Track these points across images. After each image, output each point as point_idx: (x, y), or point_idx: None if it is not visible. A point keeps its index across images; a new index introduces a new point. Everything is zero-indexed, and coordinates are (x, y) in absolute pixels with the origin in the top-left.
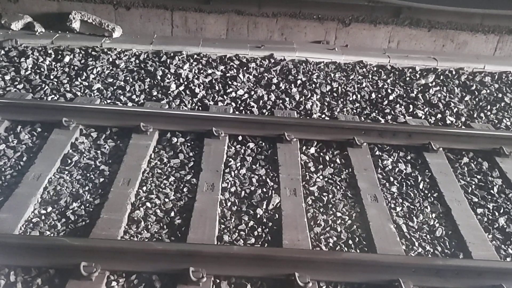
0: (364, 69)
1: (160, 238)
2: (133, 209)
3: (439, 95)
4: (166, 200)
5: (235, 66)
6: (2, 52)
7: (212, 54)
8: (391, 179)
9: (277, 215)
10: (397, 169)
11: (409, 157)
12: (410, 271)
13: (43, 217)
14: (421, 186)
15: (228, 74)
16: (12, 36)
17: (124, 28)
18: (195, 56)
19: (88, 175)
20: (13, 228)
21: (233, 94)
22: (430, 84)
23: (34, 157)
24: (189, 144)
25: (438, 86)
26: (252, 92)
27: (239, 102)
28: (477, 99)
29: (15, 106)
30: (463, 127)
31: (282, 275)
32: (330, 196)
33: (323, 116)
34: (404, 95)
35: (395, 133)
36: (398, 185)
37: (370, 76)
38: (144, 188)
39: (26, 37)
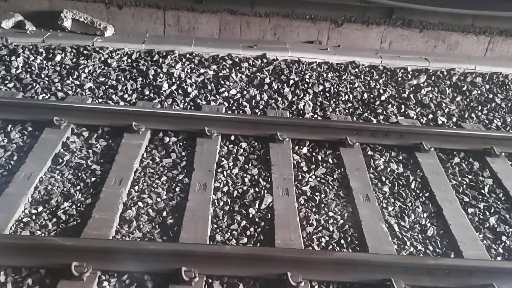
0: (357, 69)
1: (152, 237)
2: (125, 208)
3: (430, 96)
4: (158, 199)
5: (227, 65)
6: None
7: (204, 53)
8: (383, 179)
9: (269, 215)
10: (389, 169)
11: (401, 157)
12: (401, 270)
13: (34, 217)
14: (412, 186)
15: (220, 74)
16: (2, 35)
17: (116, 27)
18: (188, 55)
19: (79, 174)
20: (4, 228)
21: (226, 94)
22: (421, 85)
23: (25, 156)
24: (181, 143)
25: (429, 86)
26: (245, 92)
27: (232, 101)
28: (468, 100)
29: (5, 105)
30: (454, 127)
31: (274, 275)
32: (323, 195)
33: (316, 116)
34: (396, 95)
35: (387, 133)
36: (390, 184)
37: (362, 76)
38: (136, 187)
39: (17, 35)
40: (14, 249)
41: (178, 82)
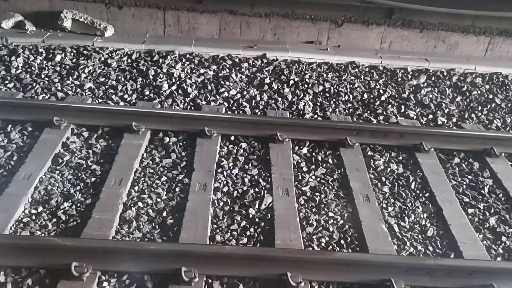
0: (357, 70)
1: (152, 238)
2: (125, 209)
3: (430, 96)
4: (158, 200)
5: (227, 66)
6: None
7: (204, 53)
8: (383, 179)
9: (269, 215)
10: (389, 169)
11: (400, 157)
12: (401, 270)
13: (33, 217)
14: (412, 186)
15: (220, 74)
16: (2, 35)
17: (116, 27)
18: (188, 55)
19: (79, 174)
20: (3, 228)
21: (226, 94)
22: (421, 85)
23: (24, 157)
24: (181, 144)
25: (429, 86)
26: (245, 92)
27: (232, 102)
28: (468, 100)
29: (5, 105)
30: (454, 127)
31: (274, 275)
32: (322, 196)
33: (316, 116)
34: (396, 96)
35: (387, 134)
36: (390, 185)
37: (362, 76)
38: (136, 187)
39: (17, 35)
40: (14, 249)
41: (178, 82)
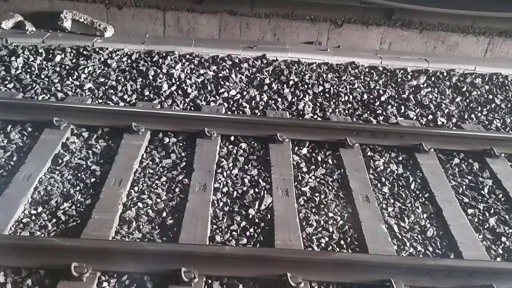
0: (356, 70)
1: (151, 238)
2: (125, 209)
3: (430, 96)
4: (158, 200)
5: (227, 66)
6: None
7: (204, 54)
8: (383, 179)
9: (269, 216)
10: (388, 169)
11: (400, 158)
12: (401, 271)
13: (33, 218)
14: (412, 187)
15: (220, 74)
16: (2, 35)
17: (116, 27)
18: (188, 56)
19: (79, 175)
20: (3, 229)
21: (226, 95)
22: (421, 85)
23: (24, 157)
24: (181, 144)
25: (429, 87)
26: (245, 93)
27: (232, 102)
28: (468, 101)
29: (5, 105)
30: (454, 128)
31: (274, 275)
32: (322, 196)
33: (315, 116)
34: (396, 96)
35: (386, 134)
36: (389, 185)
37: (362, 77)
38: (136, 188)
39: (17, 36)
40: (13, 249)
41: (178, 83)
